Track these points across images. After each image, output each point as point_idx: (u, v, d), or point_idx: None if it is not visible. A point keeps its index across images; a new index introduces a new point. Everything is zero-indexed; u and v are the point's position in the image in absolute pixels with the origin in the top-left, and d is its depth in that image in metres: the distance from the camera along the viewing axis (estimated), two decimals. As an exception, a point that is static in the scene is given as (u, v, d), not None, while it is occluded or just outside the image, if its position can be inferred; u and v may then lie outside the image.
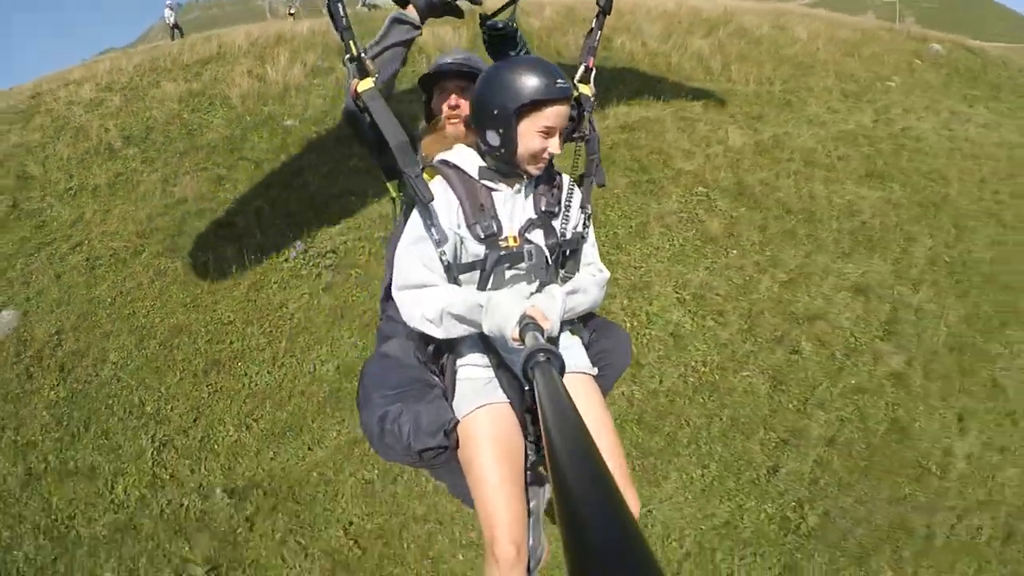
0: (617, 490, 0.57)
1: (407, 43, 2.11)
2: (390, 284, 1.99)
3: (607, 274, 2.07)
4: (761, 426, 4.95)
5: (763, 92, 10.67)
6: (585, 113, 2.10)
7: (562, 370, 1.21)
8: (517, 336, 1.52)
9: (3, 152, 7.78)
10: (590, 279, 1.99)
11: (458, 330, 1.76)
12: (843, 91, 11.31)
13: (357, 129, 2.10)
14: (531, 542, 1.95)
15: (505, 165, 1.86)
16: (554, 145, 1.81)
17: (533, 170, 1.87)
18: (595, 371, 2.02)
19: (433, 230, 1.77)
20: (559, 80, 1.74)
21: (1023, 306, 6.34)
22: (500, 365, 1.91)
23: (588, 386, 1.96)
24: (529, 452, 1.92)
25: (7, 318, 5.76)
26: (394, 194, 2.26)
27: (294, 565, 4.02)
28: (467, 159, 1.92)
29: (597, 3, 2.26)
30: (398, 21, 2.07)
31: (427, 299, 1.76)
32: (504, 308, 1.60)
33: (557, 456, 0.67)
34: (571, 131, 2.07)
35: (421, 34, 2.15)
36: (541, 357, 1.20)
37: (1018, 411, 5.18)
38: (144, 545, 4.13)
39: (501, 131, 1.79)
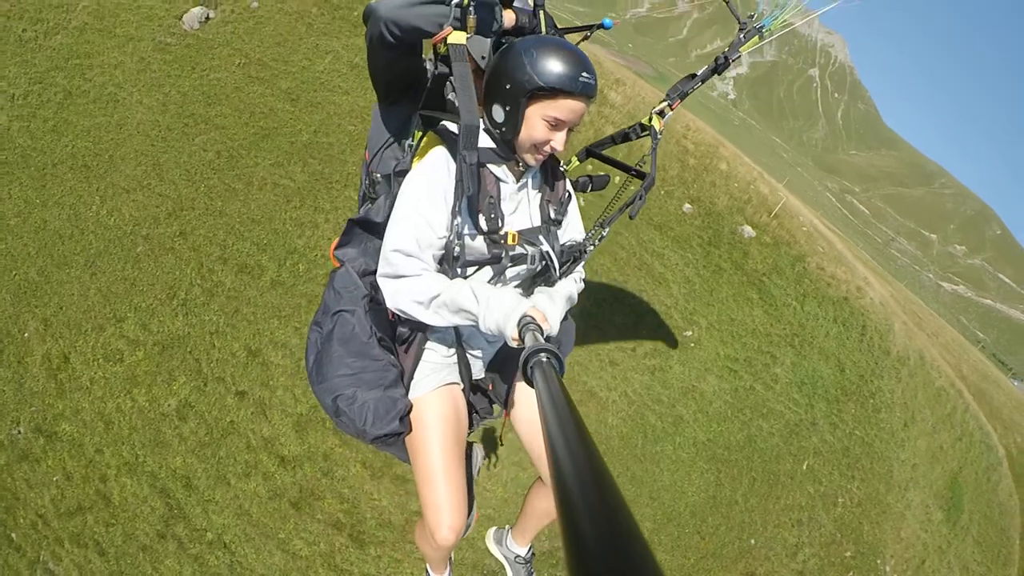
0: (618, 490, 0.57)
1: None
2: (345, 244, 2.01)
3: (582, 284, 2.14)
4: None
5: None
6: (651, 147, 2.13)
7: (562, 370, 1.22)
8: (517, 336, 1.52)
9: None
10: (573, 287, 2.04)
11: (449, 320, 1.73)
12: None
13: (425, 32, 1.70)
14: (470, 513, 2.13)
15: (503, 146, 1.79)
16: (559, 140, 1.72)
17: (530, 159, 1.79)
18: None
19: (447, 215, 1.71)
20: (584, 74, 1.63)
21: None
22: (461, 353, 1.98)
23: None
24: (473, 423, 2.07)
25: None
26: (414, 139, 2.05)
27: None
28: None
29: (715, 60, 2.27)
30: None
31: (419, 285, 1.72)
32: (504, 307, 1.58)
33: (557, 456, 0.67)
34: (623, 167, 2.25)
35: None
36: (542, 357, 1.20)
37: None
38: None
39: (508, 108, 1.69)
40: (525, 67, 1.62)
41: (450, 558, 2.42)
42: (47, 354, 6.10)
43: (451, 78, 1.77)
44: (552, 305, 1.77)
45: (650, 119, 2.19)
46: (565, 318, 2.25)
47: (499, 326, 1.58)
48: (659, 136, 2.16)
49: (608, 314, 8.97)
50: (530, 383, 1.14)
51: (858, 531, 8.65)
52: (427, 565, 2.47)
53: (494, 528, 2.97)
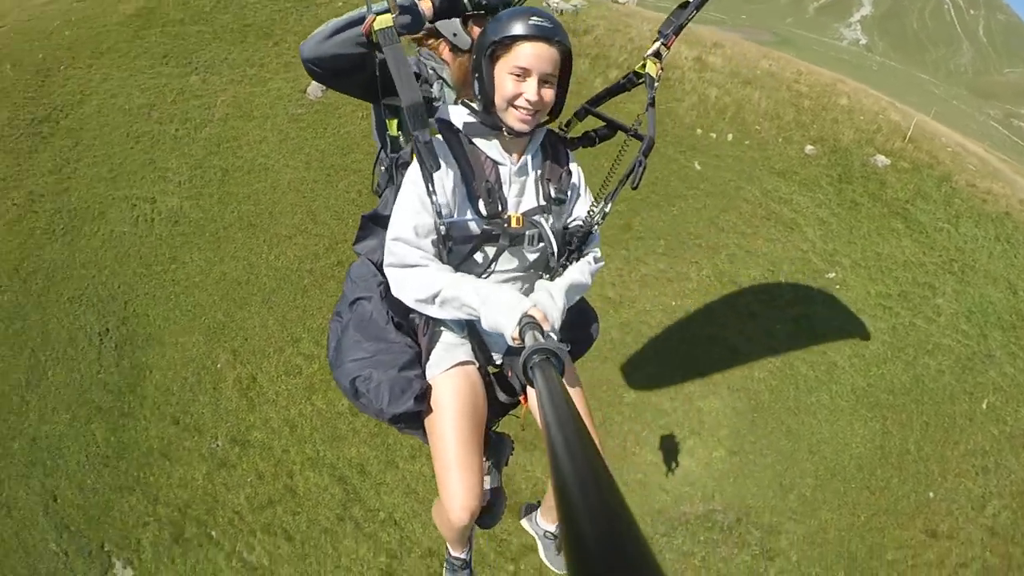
0: (618, 490, 0.57)
1: (409, 34, 1.89)
2: (362, 238, 2.10)
3: (602, 263, 2.04)
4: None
5: None
6: (648, 101, 1.91)
7: (562, 370, 1.21)
8: (517, 336, 1.52)
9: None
10: (586, 268, 1.95)
11: (451, 315, 1.75)
12: None
13: (345, 61, 1.89)
14: (491, 484, 2.23)
15: (487, 115, 1.79)
16: (530, 90, 1.69)
17: (514, 121, 1.75)
18: (568, 347, 2.02)
19: (435, 198, 1.70)
20: (534, 18, 1.66)
21: None
22: (472, 332, 1.98)
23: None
24: (492, 413, 2.03)
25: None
26: (394, 132, 2.16)
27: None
28: (457, 114, 1.86)
29: None
30: (408, 11, 1.81)
31: (422, 279, 1.73)
32: (504, 306, 1.58)
33: (557, 455, 0.67)
34: (605, 129, 2.06)
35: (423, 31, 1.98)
36: (541, 357, 1.21)
37: None
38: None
39: (478, 75, 1.74)
40: (483, 34, 1.72)
41: (470, 537, 2.39)
42: (237, 378, 7.42)
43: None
44: (552, 302, 1.74)
45: (643, 65, 1.97)
46: (584, 307, 2.29)
47: (499, 325, 1.58)
48: (656, 83, 1.95)
49: (740, 268, 8.74)
50: (530, 383, 1.14)
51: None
52: (446, 542, 2.45)
53: (525, 504, 3.02)
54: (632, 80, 2.03)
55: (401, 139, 2.13)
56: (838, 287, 8.64)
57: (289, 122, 10.02)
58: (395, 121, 2.12)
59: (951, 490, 7.15)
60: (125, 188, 8.96)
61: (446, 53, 2.20)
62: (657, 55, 1.97)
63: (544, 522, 2.73)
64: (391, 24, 1.67)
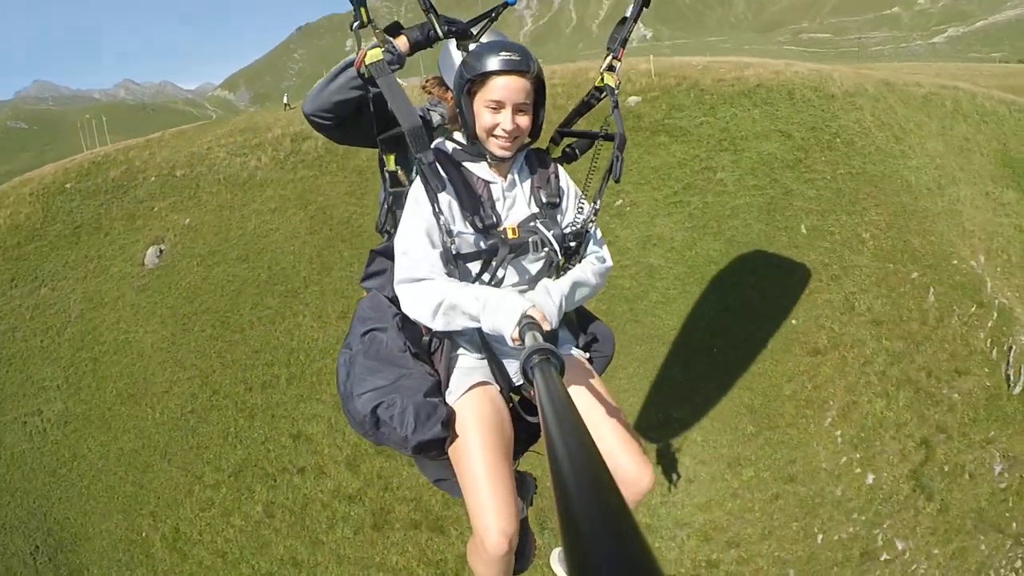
0: (618, 492, 0.57)
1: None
2: (371, 274, 2.12)
3: (610, 264, 2.06)
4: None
5: None
6: (611, 105, 2.07)
7: (562, 370, 1.21)
8: (517, 337, 1.52)
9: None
10: (591, 268, 1.97)
11: (456, 324, 1.75)
12: None
13: (346, 106, 1.97)
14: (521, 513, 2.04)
15: (472, 145, 1.89)
16: (505, 120, 1.79)
17: (495, 149, 1.85)
18: (587, 355, 2.13)
19: (442, 218, 1.77)
20: (504, 52, 1.76)
21: None
22: (492, 358, 1.95)
23: (581, 364, 2.04)
24: (519, 440, 1.95)
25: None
26: (392, 167, 2.19)
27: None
28: (447, 145, 1.96)
29: None
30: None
31: (428, 292, 1.75)
32: (504, 308, 1.59)
33: (557, 455, 0.67)
34: (577, 115, 2.21)
35: (403, 68, 2.03)
36: (541, 357, 1.20)
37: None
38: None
39: (460, 109, 1.85)
40: (460, 72, 1.81)
41: None
42: (162, 536, 7.52)
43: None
44: (548, 299, 1.77)
45: (602, 79, 2.15)
46: (596, 320, 2.32)
47: (499, 328, 1.58)
48: (616, 92, 2.11)
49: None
50: (530, 383, 1.13)
51: None
52: None
53: (558, 548, 2.69)
54: (595, 96, 2.20)
55: (399, 174, 2.15)
56: (629, 208, 9.42)
57: (137, 294, 10.51)
58: (392, 156, 2.17)
59: (812, 308, 7.66)
60: (12, 411, 9.16)
61: (449, 96, 2.37)
62: (611, 68, 2.14)
63: None
64: (381, 57, 1.80)
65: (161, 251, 11.28)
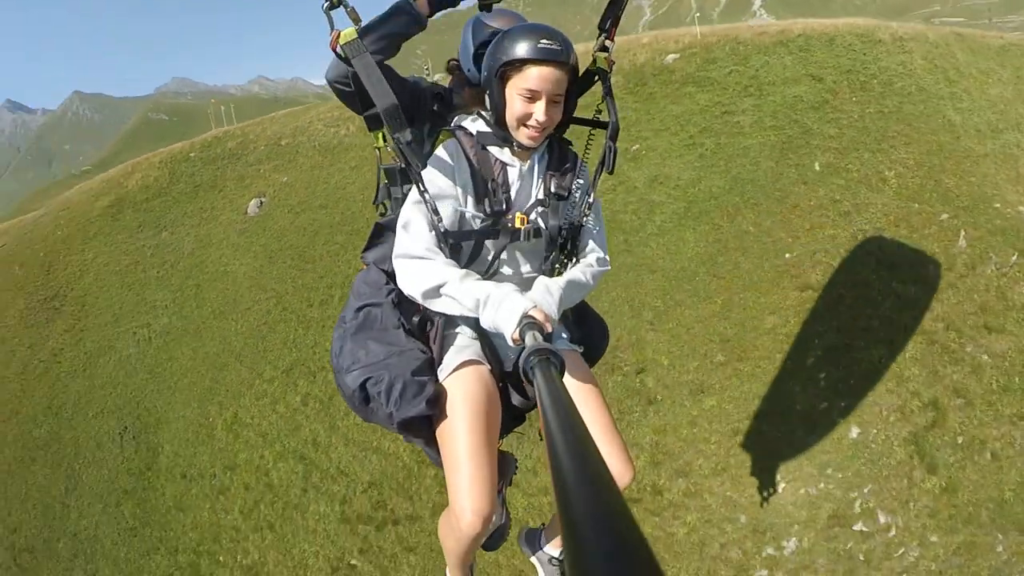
0: (619, 492, 0.57)
1: (405, 36, 1.91)
2: (372, 246, 2.09)
3: (607, 267, 2.02)
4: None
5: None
6: (603, 91, 1.97)
7: (562, 369, 1.21)
8: (517, 337, 1.51)
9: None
10: (588, 271, 1.93)
11: (448, 311, 1.74)
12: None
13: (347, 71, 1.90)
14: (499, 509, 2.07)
15: (499, 130, 1.83)
16: (539, 111, 1.73)
17: (524, 138, 1.80)
18: (580, 349, 2.14)
19: (427, 197, 1.75)
20: (544, 40, 1.67)
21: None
22: (484, 338, 1.95)
23: (574, 358, 2.04)
24: (504, 421, 1.95)
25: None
26: (378, 144, 2.19)
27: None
28: (472, 124, 1.91)
29: None
30: (403, 11, 1.89)
31: (425, 272, 1.73)
32: (505, 307, 1.57)
33: (557, 455, 0.67)
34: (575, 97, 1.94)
35: (424, 28, 1.96)
36: (541, 357, 1.19)
37: None
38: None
39: (490, 93, 1.78)
40: (495, 52, 1.73)
41: (472, 565, 2.20)
42: (224, 421, 8.81)
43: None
44: (549, 297, 1.74)
45: (594, 62, 2.01)
46: (592, 312, 2.33)
47: (499, 326, 1.57)
48: (609, 73, 2.00)
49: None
50: (530, 383, 1.12)
51: None
52: (447, 568, 2.24)
53: (526, 528, 2.74)
54: (590, 80, 2.05)
55: (388, 147, 2.06)
56: (644, 152, 9.37)
57: (238, 236, 12.20)
58: (379, 133, 2.15)
59: (811, 243, 7.18)
60: (126, 324, 11.11)
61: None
62: (603, 48, 2.01)
63: (549, 547, 2.54)
64: (355, 36, 1.72)
65: (262, 202, 12.92)
